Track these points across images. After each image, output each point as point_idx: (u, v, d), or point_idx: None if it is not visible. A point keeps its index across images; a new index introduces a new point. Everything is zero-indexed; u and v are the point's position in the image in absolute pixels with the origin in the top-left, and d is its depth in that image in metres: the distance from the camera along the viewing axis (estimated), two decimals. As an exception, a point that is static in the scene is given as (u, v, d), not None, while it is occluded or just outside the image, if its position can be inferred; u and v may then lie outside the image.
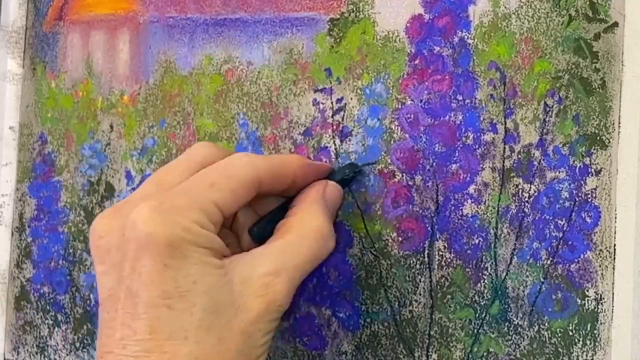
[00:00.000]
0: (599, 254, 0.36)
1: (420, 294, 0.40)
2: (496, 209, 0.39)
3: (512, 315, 0.38)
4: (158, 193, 0.36)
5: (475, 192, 0.39)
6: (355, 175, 0.42)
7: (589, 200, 0.37)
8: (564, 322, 0.37)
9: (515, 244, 0.38)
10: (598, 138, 0.37)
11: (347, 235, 0.42)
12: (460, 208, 0.39)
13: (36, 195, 0.54)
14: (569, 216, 0.37)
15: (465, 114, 0.39)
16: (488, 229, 0.39)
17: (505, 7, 0.39)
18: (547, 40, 0.38)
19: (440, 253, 0.40)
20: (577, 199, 0.37)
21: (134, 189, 0.49)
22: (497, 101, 0.39)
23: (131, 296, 0.34)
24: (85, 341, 0.51)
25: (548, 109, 0.38)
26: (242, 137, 0.46)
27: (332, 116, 0.43)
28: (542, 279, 0.37)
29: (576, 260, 0.37)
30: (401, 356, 0.41)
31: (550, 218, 0.37)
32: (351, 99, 0.42)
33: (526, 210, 0.38)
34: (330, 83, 0.43)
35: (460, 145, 0.40)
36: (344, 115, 0.43)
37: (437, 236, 0.40)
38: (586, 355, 0.36)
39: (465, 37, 0.40)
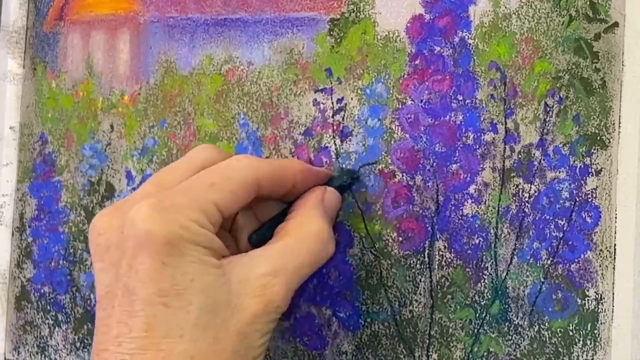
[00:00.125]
0: (599, 254, 0.36)
1: (420, 294, 0.40)
2: (496, 209, 0.39)
3: (512, 315, 0.38)
4: (158, 192, 0.36)
5: (475, 192, 0.39)
6: (353, 181, 0.42)
7: (589, 200, 0.37)
8: (564, 322, 0.37)
9: (515, 244, 0.38)
10: (598, 138, 0.37)
11: (347, 235, 0.42)
12: (461, 208, 0.39)
13: (37, 195, 0.54)
14: (569, 216, 0.37)
15: (466, 114, 0.40)
16: (488, 229, 0.39)
17: (505, 7, 0.39)
18: (548, 40, 0.38)
19: (441, 253, 0.40)
20: (577, 199, 0.37)
21: (134, 189, 0.49)
22: (497, 101, 0.39)
23: (128, 293, 0.34)
24: (86, 341, 0.51)
25: (548, 109, 0.38)
26: (242, 137, 0.46)
27: (333, 116, 0.43)
28: (542, 279, 0.37)
29: (576, 260, 0.37)
30: (401, 356, 0.41)
31: (551, 218, 0.37)
32: (351, 99, 0.42)
33: (526, 210, 0.38)
34: (331, 83, 0.43)
35: (461, 145, 0.40)
36: (344, 115, 0.43)
37: (438, 236, 0.40)
38: (586, 355, 0.36)
39: (466, 37, 0.40)
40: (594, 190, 0.37)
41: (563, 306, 0.37)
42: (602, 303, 0.36)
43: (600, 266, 0.36)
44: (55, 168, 0.53)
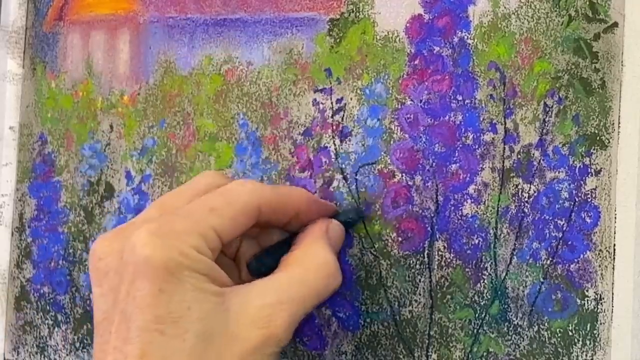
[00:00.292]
0: (599, 254, 0.36)
1: (420, 294, 0.40)
2: (496, 209, 0.39)
3: (511, 315, 0.38)
4: (159, 217, 0.36)
5: (475, 192, 0.39)
6: (359, 220, 0.41)
7: (589, 200, 0.37)
8: (564, 322, 0.37)
9: (515, 244, 0.38)
10: (598, 138, 0.37)
11: (347, 235, 0.42)
12: (460, 208, 0.39)
13: (36, 196, 0.54)
14: (568, 216, 0.37)
15: (465, 114, 0.40)
16: (488, 229, 0.39)
17: (505, 7, 0.39)
18: (547, 40, 0.38)
19: (440, 253, 0.40)
20: (576, 199, 0.37)
21: (134, 189, 0.49)
22: (496, 101, 0.39)
23: (125, 320, 0.33)
24: (85, 341, 0.51)
25: (548, 109, 0.38)
26: (242, 137, 0.46)
27: (332, 116, 0.43)
28: (541, 279, 0.37)
29: (576, 260, 0.37)
30: (401, 356, 0.41)
31: (550, 218, 0.37)
32: (351, 99, 0.42)
33: (526, 210, 0.38)
34: (330, 83, 0.43)
35: (460, 146, 0.40)
36: (343, 115, 0.43)
37: (437, 236, 0.40)
38: (586, 355, 0.36)
39: (465, 37, 0.40)
40: (593, 191, 0.37)
41: (562, 306, 0.37)
42: (601, 303, 0.36)
43: (599, 266, 0.36)
44: (55, 168, 0.53)
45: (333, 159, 0.43)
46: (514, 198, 0.38)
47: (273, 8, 0.45)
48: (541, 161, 0.38)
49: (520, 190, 0.38)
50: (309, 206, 0.39)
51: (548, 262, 0.37)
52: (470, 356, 0.39)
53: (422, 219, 0.40)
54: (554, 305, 0.37)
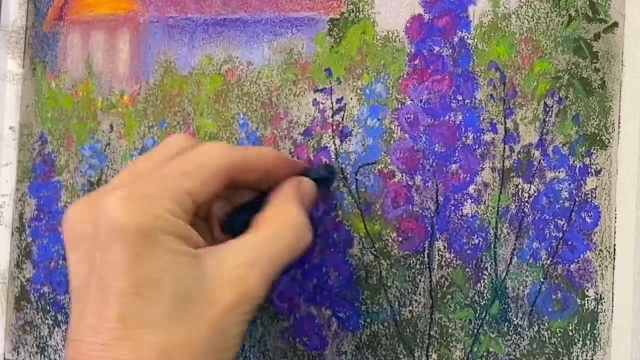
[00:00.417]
0: (599, 254, 0.36)
1: (420, 294, 0.40)
2: (496, 209, 0.39)
3: (512, 315, 0.38)
4: (131, 182, 0.36)
5: (475, 192, 0.39)
6: (330, 176, 0.42)
7: (589, 200, 0.37)
8: (564, 322, 0.37)
9: (515, 244, 0.38)
10: (598, 138, 0.37)
11: (347, 235, 0.42)
12: (460, 208, 0.39)
13: (36, 195, 0.54)
14: (568, 216, 0.37)
15: (465, 114, 0.40)
16: (488, 229, 0.39)
17: (505, 7, 0.39)
18: (547, 40, 0.38)
19: (440, 253, 0.40)
20: (577, 199, 0.37)
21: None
22: (497, 101, 0.39)
23: (102, 285, 0.33)
24: (85, 341, 0.51)
25: (548, 109, 0.38)
26: (242, 137, 0.46)
27: (332, 116, 0.43)
28: (542, 279, 0.37)
29: (576, 260, 0.37)
30: (401, 356, 0.41)
31: (550, 218, 0.37)
32: (351, 99, 0.42)
33: (526, 210, 0.38)
34: (330, 83, 0.43)
35: (460, 145, 0.40)
36: (343, 115, 0.43)
37: (437, 236, 0.40)
38: (586, 355, 0.36)
39: (465, 37, 0.40)
40: (593, 190, 0.37)
41: (563, 306, 0.37)
42: (601, 303, 0.36)
43: (599, 266, 0.36)
44: (55, 168, 0.53)
45: (333, 159, 0.43)
46: (514, 198, 0.38)
47: (273, 8, 0.45)
48: (541, 161, 0.38)
49: (520, 190, 0.38)
50: (279, 164, 0.40)
51: (548, 262, 0.37)
52: (470, 356, 0.39)
53: (422, 218, 0.40)
54: (554, 305, 0.37)
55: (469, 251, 0.39)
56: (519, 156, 0.38)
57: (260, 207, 0.39)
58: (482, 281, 0.39)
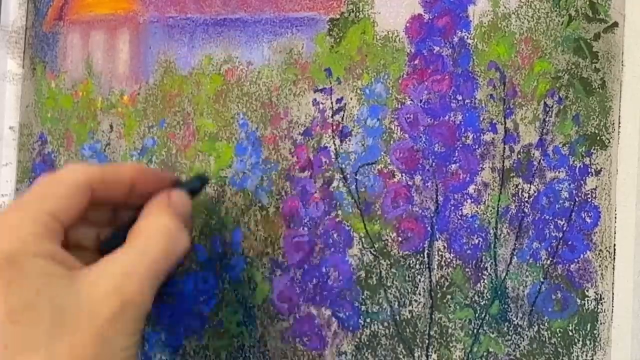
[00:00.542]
0: (599, 254, 0.36)
1: (420, 294, 0.40)
2: (496, 209, 0.39)
3: (512, 315, 0.38)
4: None
5: (475, 192, 0.39)
6: (203, 183, 0.43)
7: (589, 200, 0.37)
8: (564, 322, 0.37)
9: (515, 244, 0.38)
10: (598, 138, 0.37)
11: (347, 235, 0.42)
12: (460, 208, 0.39)
13: (36, 195, 0.54)
14: (568, 216, 0.37)
15: (465, 114, 0.39)
16: (488, 229, 0.39)
17: (505, 7, 0.39)
18: (547, 40, 0.38)
19: (440, 253, 0.40)
20: (577, 199, 0.37)
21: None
22: (496, 101, 0.39)
23: None
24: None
25: (548, 109, 0.38)
26: (242, 137, 0.46)
27: (332, 116, 0.43)
28: (542, 279, 0.37)
29: (576, 260, 0.37)
30: (401, 356, 0.41)
31: (550, 218, 0.37)
32: (351, 99, 0.42)
33: (526, 210, 0.38)
34: (330, 83, 0.43)
35: (460, 145, 0.40)
36: (343, 115, 0.43)
37: (437, 236, 0.40)
38: (586, 355, 0.36)
39: (465, 37, 0.40)
40: (593, 190, 0.37)
41: (563, 306, 0.37)
42: (601, 303, 0.36)
43: (599, 266, 0.36)
44: (55, 168, 0.53)
45: (333, 159, 0.43)
46: (514, 198, 0.38)
47: (273, 8, 0.45)
48: (541, 161, 0.38)
49: (520, 190, 0.38)
50: (143, 177, 0.41)
51: (548, 262, 0.37)
52: (470, 356, 0.39)
53: (422, 218, 0.40)
54: (554, 305, 0.37)
55: (468, 251, 0.39)
56: (519, 156, 0.38)
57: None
58: (482, 281, 0.39)
